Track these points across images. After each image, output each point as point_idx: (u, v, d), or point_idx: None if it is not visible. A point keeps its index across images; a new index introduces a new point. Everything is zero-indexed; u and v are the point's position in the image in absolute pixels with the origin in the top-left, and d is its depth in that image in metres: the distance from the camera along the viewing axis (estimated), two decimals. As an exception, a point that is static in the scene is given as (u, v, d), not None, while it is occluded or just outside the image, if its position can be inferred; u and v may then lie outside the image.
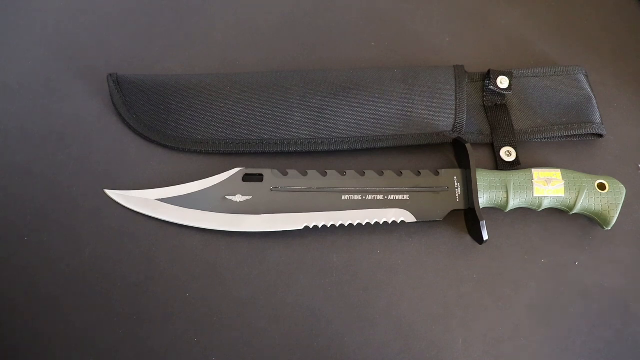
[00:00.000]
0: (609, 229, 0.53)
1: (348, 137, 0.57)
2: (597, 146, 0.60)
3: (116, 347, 0.50)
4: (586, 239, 0.55)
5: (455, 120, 0.57)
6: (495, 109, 0.60)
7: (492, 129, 0.59)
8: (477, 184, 0.52)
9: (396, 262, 0.54)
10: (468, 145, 0.53)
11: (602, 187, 0.53)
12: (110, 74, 0.60)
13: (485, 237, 0.51)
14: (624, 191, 0.53)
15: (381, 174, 0.55)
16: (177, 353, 0.50)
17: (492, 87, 0.59)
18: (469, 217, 0.54)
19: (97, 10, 0.68)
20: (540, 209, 0.54)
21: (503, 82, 0.59)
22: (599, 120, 0.58)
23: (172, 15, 0.68)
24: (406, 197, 0.53)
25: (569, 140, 0.59)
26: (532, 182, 0.53)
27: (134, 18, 0.68)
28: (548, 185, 0.53)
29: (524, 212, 0.56)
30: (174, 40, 0.66)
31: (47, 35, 0.66)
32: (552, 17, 0.68)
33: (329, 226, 0.53)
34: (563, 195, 0.52)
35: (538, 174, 0.53)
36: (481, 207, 0.52)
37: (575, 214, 0.54)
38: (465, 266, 0.54)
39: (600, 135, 0.59)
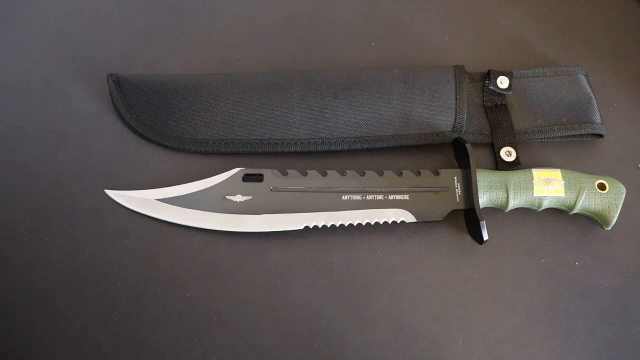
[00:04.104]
0: (609, 229, 0.53)
1: (348, 137, 0.57)
2: (597, 146, 0.60)
3: (116, 347, 0.50)
4: (586, 239, 0.55)
5: (455, 120, 0.57)
6: (495, 109, 0.60)
7: (492, 129, 0.59)
8: (477, 184, 0.52)
9: (396, 262, 0.54)
10: (468, 145, 0.53)
11: (602, 187, 0.53)
12: (110, 74, 0.60)
13: (485, 237, 0.51)
14: (624, 191, 0.53)
15: (381, 174, 0.55)
16: (177, 353, 0.50)
17: (492, 87, 0.59)
18: (469, 217, 0.54)
19: (97, 10, 0.69)
20: (540, 209, 0.54)
21: (503, 82, 0.59)
22: (599, 120, 0.58)
23: (172, 15, 0.68)
24: (406, 197, 0.53)
25: (569, 140, 0.59)
26: (532, 182, 0.53)
27: (134, 18, 0.68)
28: (548, 185, 0.53)
29: (524, 212, 0.56)
30: (174, 40, 0.66)
31: (47, 35, 0.66)
32: (552, 17, 0.68)
33: (329, 226, 0.53)
34: (563, 195, 0.52)
35: (538, 174, 0.53)
36: (481, 207, 0.52)
37: (575, 214, 0.54)
38: (465, 266, 0.54)
39: (600, 135, 0.59)
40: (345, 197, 0.53)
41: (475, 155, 0.54)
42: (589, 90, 0.60)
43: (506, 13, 0.69)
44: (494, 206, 0.54)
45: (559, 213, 0.56)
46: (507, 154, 0.57)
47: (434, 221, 0.53)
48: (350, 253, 0.54)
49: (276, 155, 0.59)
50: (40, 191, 0.57)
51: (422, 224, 0.55)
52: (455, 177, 0.54)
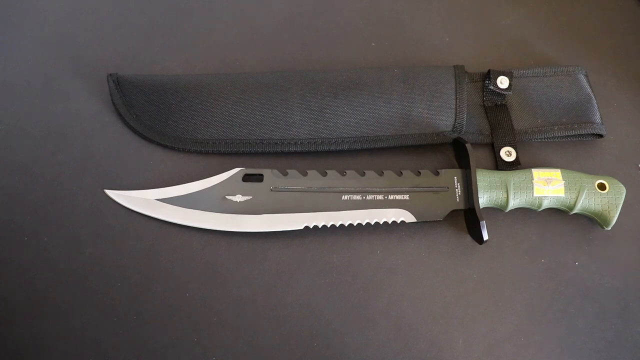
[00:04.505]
0: (609, 229, 0.53)
1: (348, 137, 0.57)
2: (597, 146, 0.60)
3: (116, 347, 0.50)
4: (586, 239, 0.55)
5: (455, 120, 0.57)
6: (495, 109, 0.60)
7: (492, 129, 0.59)
8: (477, 184, 0.52)
9: (396, 262, 0.54)
10: (468, 145, 0.53)
11: (602, 187, 0.53)
12: (110, 74, 0.60)
13: (485, 237, 0.51)
14: (624, 191, 0.53)
15: (381, 174, 0.55)
16: (177, 353, 0.50)
17: (492, 87, 0.59)
18: (469, 217, 0.54)
19: (97, 10, 0.69)
20: (540, 209, 0.54)
21: (503, 82, 0.59)
22: (599, 120, 0.58)
23: (172, 15, 0.68)
24: (406, 197, 0.53)
25: (569, 140, 0.59)
26: (532, 182, 0.53)
27: (134, 18, 0.68)
28: (548, 185, 0.53)
29: (524, 212, 0.56)
30: (174, 40, 0.66)
31: (47, 35, 0.66)
32: (552, 17, 0.68)
33: (329, 226, 0.53)
34: (563, 195, 0.52)
35: (538, 174, 0.53)
36: (481, 207, 0.52)
37: (575, 214, 0.54)
38: (465, 266, 0.54)
39: (600, 135, 0.59)
40: (345, 197, 0.53)
41: (475, 155, 0.54)
42: (589, 90, 0.60)
43: (506, 13, 0.69)
44: (494, 206, 0.54)
45: (559, 213, 0.56)
46: (507, 154, 0.57)
47: (434, 221, 0.53)
48: (350, 253, 0.54)
49: (276, 155, 0.59)
50: (40, 191, 0.57)
51: (422, 224, 0.55)
52: (455, 177, 0.54)
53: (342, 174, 0.55)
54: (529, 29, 0.67)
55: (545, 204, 0.53)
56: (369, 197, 0.53)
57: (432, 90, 0.58)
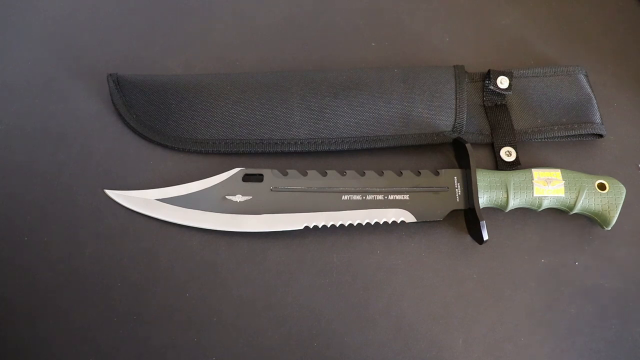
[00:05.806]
0: (609, 229, 0.53)
1: (348, 137, 0.57)
2: (597, 146, 0.60)
3: (116, 347, 0.50)
4: (586, 239, 0.55)
5: (455, 120, 0.57)
6: (495, 109, 0.60)
7: (492, 129, 0.59)
8: (477, 184, 0.52)
9: (396, 262, 0.54)
10: (468, 145, 0.53)
11: (602, 187, 0.53)
12: (110, 74, 0.60)
13: (485, 237, 0.51)
14: (624, 191, 0.53)
15: (381, 174, 0.55)
16: (177, 353, 0.50)
17: (492, 87, 0.59)
18: (469, 217, 0.54)
19: (97, 10, 0.69)
20: (540, 209, 0.54)
21: (503, 82, 0.59)
22: (599, 120, 0.58)
23: (172, 15, 0.68)
24: (406, 197, 0.53)
25: (569, 140, 0.59)
26: (532, 182, 0.53)
27: (134, 18, 0.68)
28: (548, 185, 0.53)
29: (524, 212, 0.56)
30: (174, 40, 0.66)
31: (47, 35, 0.66)
32: (552, 17, 0.68)
33: (329, 226, 0.53)
34: (563, 195, 0.52)
35: (538, 174, 0.53)
36: (481, 207, 0.52)
37: (575, 214, 0.54)
38: (465, 266, 0.54)
39: (600, 135, 0.59)
40: (345, 197, 0.53)
41: (475, 155, 0.54)
42: (589, 90, 0.60)
43: (506, 13, 0.69)
44: (494, 206, 0.54)
45: (559, 213, 0.56)
46: (507, 154, 0.57)
47: (434, 221, 0.53)
48: (350, 253, 0.54)
49: (276, 155, 0.59)
50: (40, 191, 0.57)
51: (422, 224, 0.55)
52: (455, 177, 0.54)
53: (342, 174, 0.55)
54: (529, 29, 0.67)
55: (545, 204, 0.53)
56: (369, 197, 0.53)
57: (432, 90, 0.58)
